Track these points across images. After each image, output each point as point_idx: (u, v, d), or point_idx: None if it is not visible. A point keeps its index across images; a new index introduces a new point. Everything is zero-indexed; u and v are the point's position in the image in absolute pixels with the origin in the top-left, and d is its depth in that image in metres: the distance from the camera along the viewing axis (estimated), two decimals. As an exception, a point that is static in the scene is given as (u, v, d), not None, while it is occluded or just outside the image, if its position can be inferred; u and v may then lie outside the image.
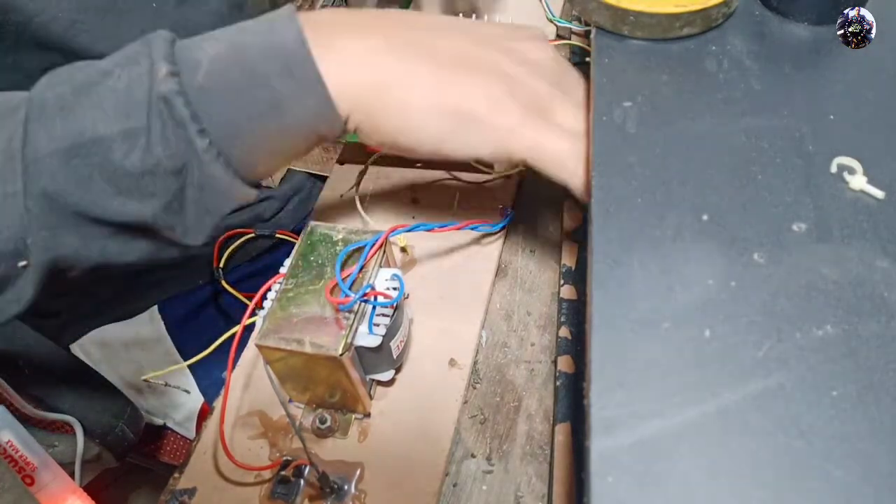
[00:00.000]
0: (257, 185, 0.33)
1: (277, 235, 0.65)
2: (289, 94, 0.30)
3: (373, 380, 0.41)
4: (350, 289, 0.35)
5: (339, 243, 0.39)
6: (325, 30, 0.31)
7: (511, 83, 0.33)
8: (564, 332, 0.43)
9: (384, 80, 0.31)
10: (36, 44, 0.52)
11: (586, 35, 0.61)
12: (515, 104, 0.32)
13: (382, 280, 0.37)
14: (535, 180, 0.55)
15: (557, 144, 0.32)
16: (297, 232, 0.67)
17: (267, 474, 0.39)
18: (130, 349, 0.66)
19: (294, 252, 0.39)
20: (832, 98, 0.31)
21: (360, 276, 0.37)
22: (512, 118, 0.32)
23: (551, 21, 0.65)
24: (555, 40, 0.62)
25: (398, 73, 0.31)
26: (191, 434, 0.69)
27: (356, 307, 0.36)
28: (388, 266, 0.39)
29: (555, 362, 0.42)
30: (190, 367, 0.62)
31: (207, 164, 0.30)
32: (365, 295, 0.36)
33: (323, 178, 0.66)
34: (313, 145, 0.34)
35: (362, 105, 0.31)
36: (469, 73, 0.32)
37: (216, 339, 0.45)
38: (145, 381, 0.65)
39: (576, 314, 0.44)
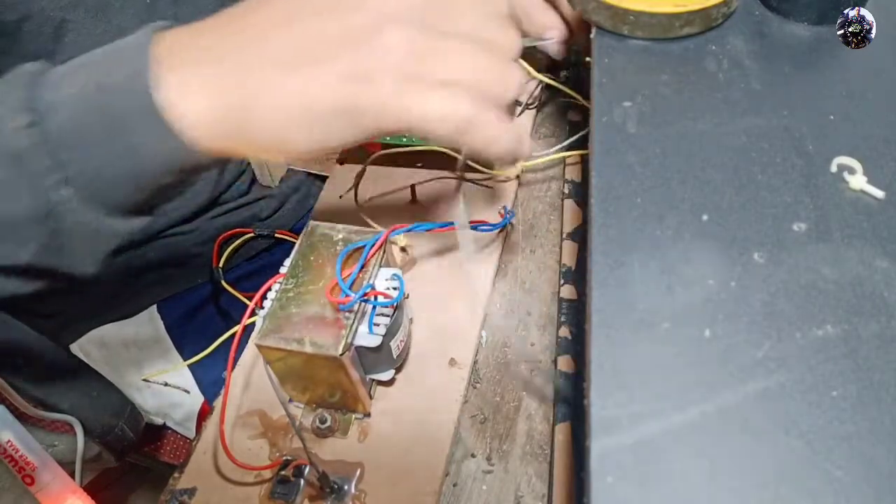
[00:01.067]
0: (147, 213, 0.32)
1: (276, 235, 0.65)
2: (144, 142, 0.29)
3: (373, 380, 0.41)
4: (350, 289, 0.36)
5: (339, 243, 0.39)
6: (178, 59, 0.29)
7: (363, 56, 0.29)
8: (564, 331, 0.43)
9: (239, 105, 0.29)
10: (25, 47, 0.52)
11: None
12: (373, 79, 0.29)
13: (382, 280, 0.37)
14: (534, 180, 0.55)
15: (426, 104, 0.29)
16: (296, 231, 0.67)
17: (267, 474, 0.39)
18: (130, 349, 0.66)
19: (294, 252, 0.39)
20: (832, 98, 0.31)
21: (360, 276, 0.37)
22: (371, 96, 0.29)
23: None
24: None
25: (250, 95, 0.29)
26: (191, 434, 0.69)
27: (356, 307, 0.36)
28: (388, 266, 0.39)
29: (555, 362, 0.42)
30: (190, 366, 0.62)
31: (73, 211, 0.29)
32: (365, 295, 0.36)
33: (322, 178, 0.66)
34: (192, 176, 0.33)
35: (226, 136, 0.30)
36: (314, 65, 0.29)
37: (216, 338, 0.45)
38: (145, 380, 0.65)
39: (576, 314, 0.44)
